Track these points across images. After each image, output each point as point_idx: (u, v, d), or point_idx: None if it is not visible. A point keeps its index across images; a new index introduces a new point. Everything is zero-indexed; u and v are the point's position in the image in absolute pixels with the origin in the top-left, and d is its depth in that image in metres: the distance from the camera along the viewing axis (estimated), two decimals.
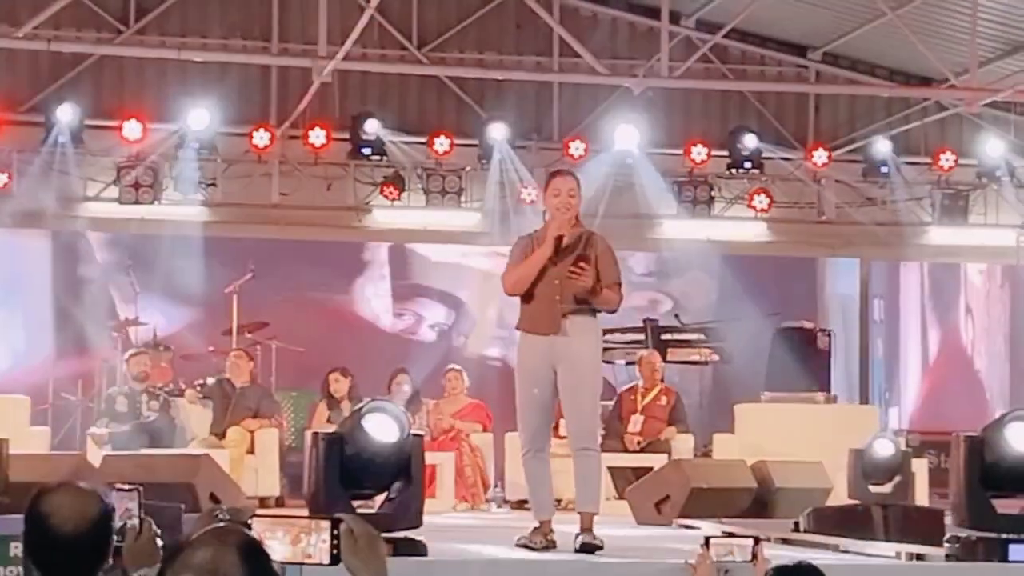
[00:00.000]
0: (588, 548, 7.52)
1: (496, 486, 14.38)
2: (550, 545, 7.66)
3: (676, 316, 17.48)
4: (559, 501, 12.78)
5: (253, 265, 16.82)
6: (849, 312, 19.95)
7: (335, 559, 3.40)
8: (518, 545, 7.61)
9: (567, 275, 7.79)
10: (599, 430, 8.32)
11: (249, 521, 3.43)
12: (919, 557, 6.70)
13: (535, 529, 7.75)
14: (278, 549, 3.42)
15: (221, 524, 3.17)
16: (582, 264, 7.80)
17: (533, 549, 7.57)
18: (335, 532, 3.40)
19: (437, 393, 14.87)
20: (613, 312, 8.46)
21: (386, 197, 18.17)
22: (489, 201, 18.18)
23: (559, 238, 7.89)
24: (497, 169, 18.33)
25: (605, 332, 16.62)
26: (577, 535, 7.78)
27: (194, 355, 16.56)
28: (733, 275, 18.95)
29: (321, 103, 17.16)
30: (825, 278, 20.07)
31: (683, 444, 14.06)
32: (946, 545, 6.53)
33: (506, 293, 8.17)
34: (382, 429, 5.82)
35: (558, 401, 8.08)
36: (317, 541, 3.41)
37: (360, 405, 6.12)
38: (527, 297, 8.00)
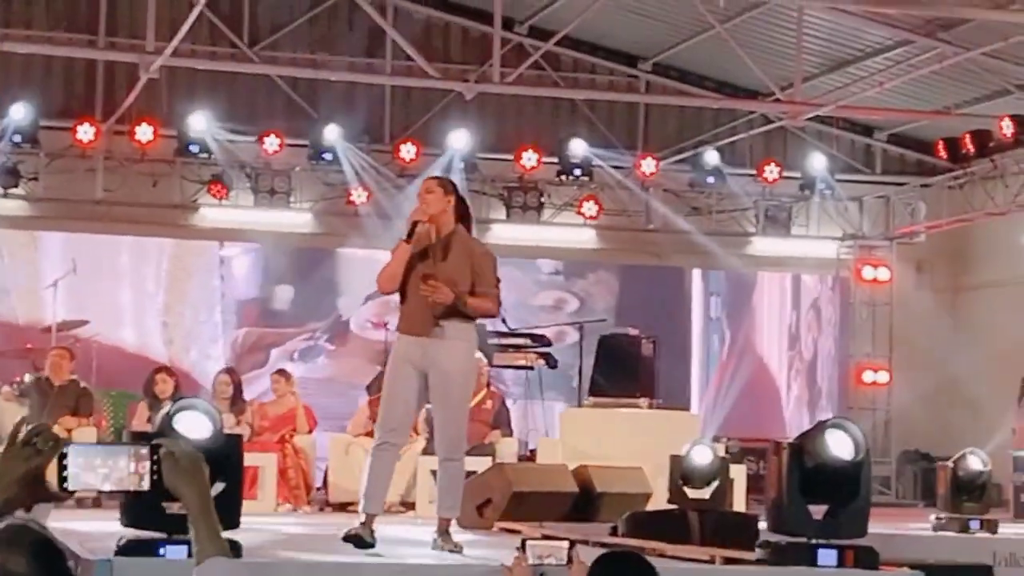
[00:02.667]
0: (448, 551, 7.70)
1: (319, 489, 14.29)
2: (373, 542, 7.69)
3: (503, 320, 17.51)
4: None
5: (75, 261, 16.50)
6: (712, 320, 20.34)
7: (156, 484, 3.37)
8: (345, 539, 7.65)
9: (422, 292, 7.84)
10: (464, 439, 8.35)
11: (66, 450, 3.36)
12: (732, 561, 6.80)
13: (361, 524, 7.80)
14: (98, 479, 3.37)
15: (14, 524, 3.09)
16: (431, 283, 7.85)
17: (363, 541, 7.61)
18: (155, 457, 3.37)
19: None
20: (493, 317, 8.67)
21: (213, 195, 17.98)
22: (320, 203, 18.10)
23: (413, 224, 7.97)
24: (327, 169, 18.26)
25: None
26: (435, 538, 7.97)
27: (11, 352, 16.18)
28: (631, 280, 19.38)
29: (148, 99, 16.90)
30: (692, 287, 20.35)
31: (507, 448, 14.10)
32: (758, 550, 6.64)
33: (380, 290, 8.34)
34: (194, 427, 5.73)
35: (423, 404, 8.26)
36: (137, 467, 3.37)
37: (172, 404, 6.02)
38: (403, 297, 8.10)
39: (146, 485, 3.38)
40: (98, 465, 3.37)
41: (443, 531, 8.00)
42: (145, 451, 3.38)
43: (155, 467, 3.37)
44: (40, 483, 3.42)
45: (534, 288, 19.52)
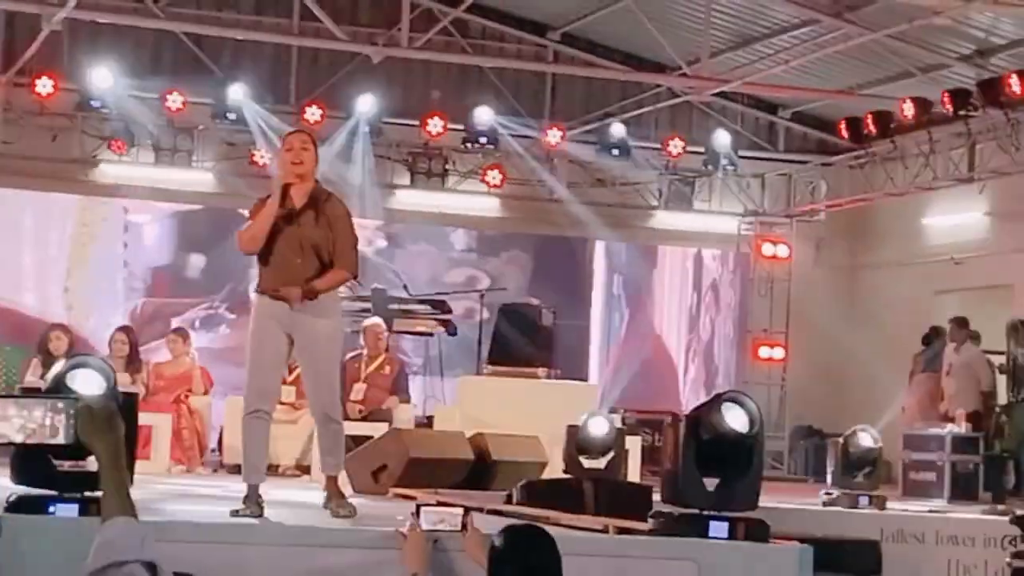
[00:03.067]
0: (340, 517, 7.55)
1: (214, 450, 14.21)
2: (261, 512, 7.58)
3: (404, 287, 17.49)
4: (276, 467, 12.76)
5: None
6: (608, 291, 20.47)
7: (73, 437, 3.37)
8: (233, 515, 7.48)
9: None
10: (339, 401, 8.15)
11: None
12: (625, 531, 6.85)
13: (246, 497, 7.64)
14: (14, 430, 3.35)
15: None
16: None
17: (249, 518, 7.47)
18: (71, 412, 3.37)
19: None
20: (354, 278, 8.43)
21: (114, 151, 17.77)
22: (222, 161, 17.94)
23: (286, 186, 7.74)
24: (230, 129, 18.10)
25: None
26: (326, 498, 7.79)
27: None
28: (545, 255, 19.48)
29: (50, 52, 16.64)
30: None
31: (404, 414, 14.10)
32: (650, 520, 6.69)
33: (241, 250, 7.94)
34: (87, 384, 5.66)
35: (288, 367, 8.03)
36: (55, 420, 3.36)
37: (66, 361, 5.94)
38: (265, 257, 7.78)
39: (62, 438, 3.37)
40: (13, 416, 3.34)
41: (334, 492, 7.82)
42: (62, 405, 3.38)
43: (72, 421, 3.36)
44: None
45: (446, 265, 19.53)
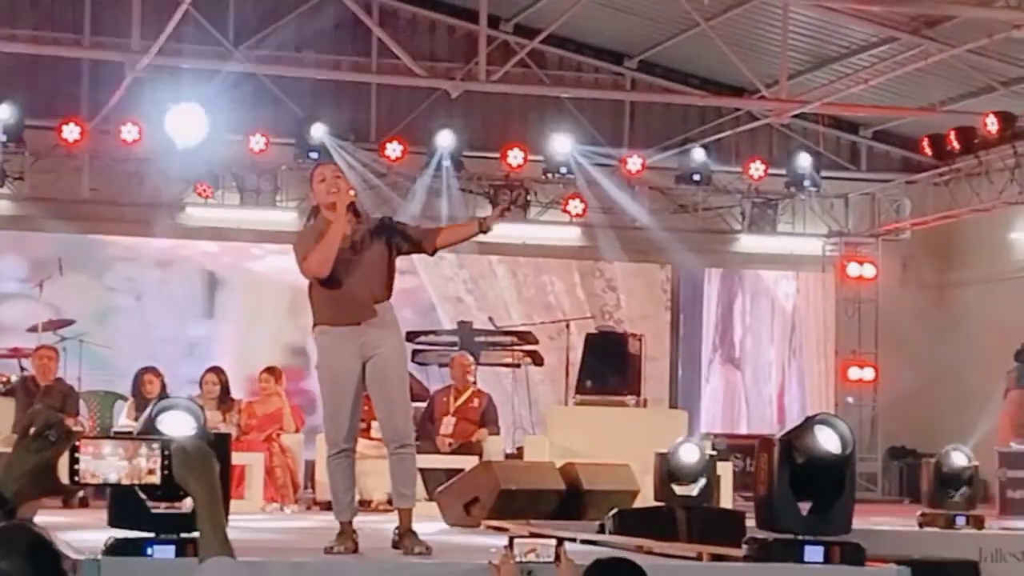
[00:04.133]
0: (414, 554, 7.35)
1: (306, 487, 14.29)
2: (355, 547, 7.58)
3: (490, 319, 17.57)
4: (368, 503, 12.81)
5: (60, 260, 16.49)
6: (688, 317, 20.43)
7: (166, 479, 3.38)
8: (327, 552, 7.49)
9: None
10: (412, 425, 8.03)
11: (77, 443, 3.37)
12: (719, 558, 6.81)
13: (339, 534, 7.65)
14: (109, 470, 3.38)
15: (10, 524, 3.09)
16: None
17: (343, 555, 7.48)
18: (166, 452, 3.38)
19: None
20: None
21: (199, 195, 17.97)
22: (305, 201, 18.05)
23: (352, 204, 7.75)
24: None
25: (420, 334, 16.89)
26: (398, 535, 7.58)
27: None
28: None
29: (133, 98, 16.86)
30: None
31: (494, 446, 14.12)
32: (744, 546, 6.65)
33: (310, 275, 7.72)
34: (177, 425, 5.70)
35: (365, 399, 7.91)
36: (149, 460, 3.38)
37: (155, 404, 5.98)
38: (331, 285, 7.66)
39: (156, 479, 3.39)
40: (108, 455, 3.38)
41: (406, 530, 7.58)
42: (156, 445, 3.40)
43: (166, 461, 3.39)
44: (50, 475, 3.43)
45: (530, 295, 19.61)
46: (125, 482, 3.40)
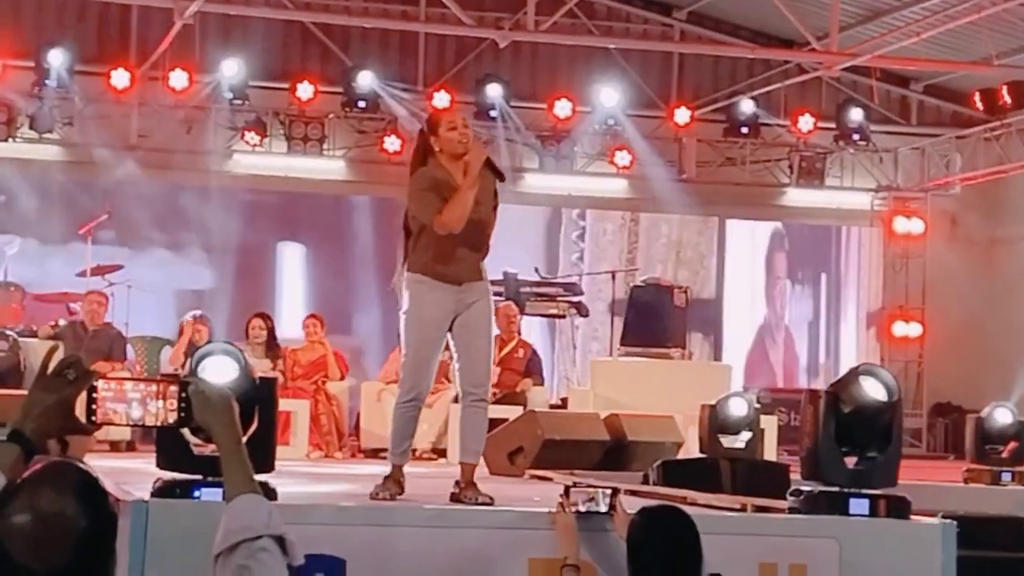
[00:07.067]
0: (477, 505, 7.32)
1: (351, 435, 14.35)
2: (402, 491, 7.59)
3: (536, 270, 17.54)
4: (413, 451, 12.86)
5: (109, 206, 16.56)
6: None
7: (183, 421, 3.41)
8: (373, 497, 7.50)
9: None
10: (491, 380, 7.96)
11: (96, 383, 3.39)
12: (763, 509, 6.80)
13: (386, 478, 7.64)
14: (127, 412, 3.41)
15: (56, 462, 3.11)
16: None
17: (388, 500, 7.49)
18: (184, 394, 3.40)
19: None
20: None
21: (247, 143, 18.01)
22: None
23: (489, 159, 7.62)
24: (360, 117, 18.25)
25: None
26: (460, 488, 7.45)
27: (47, 296, 16.26)
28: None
29: (182, 45, 16.89)
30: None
31: (538, 396, 14.14)
32: (790, 498, 6.63)
33: (445, 230, 7.40)
34: (219, 372, 5.69)
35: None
36: (165, 403, 3.41)
37: (196, 351, 5.97)
38: (446, 242, 7.45)
39: (173, 420, 3.41)
40: (127, 398, 3.41)
41: (468, 482, 7.47)
42: (174, 388, 3.42)
43: (183, 404, 3.40)
44: (69, 414, 3.45)
45: (577, 246, 19.59)
46: (142, 423, 3.43)
